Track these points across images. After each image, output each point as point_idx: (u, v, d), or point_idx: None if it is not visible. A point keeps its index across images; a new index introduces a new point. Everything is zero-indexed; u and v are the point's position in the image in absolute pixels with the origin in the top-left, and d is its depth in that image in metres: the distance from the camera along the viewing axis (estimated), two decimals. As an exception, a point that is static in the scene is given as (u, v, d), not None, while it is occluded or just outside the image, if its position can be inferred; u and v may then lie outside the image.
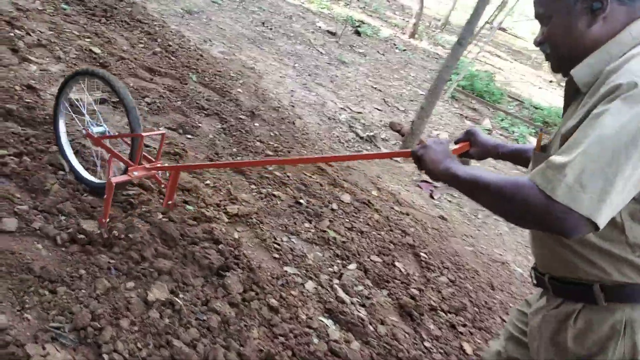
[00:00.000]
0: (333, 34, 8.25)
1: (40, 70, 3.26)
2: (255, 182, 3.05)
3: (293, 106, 4.54)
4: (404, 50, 9.54)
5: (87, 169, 2.46)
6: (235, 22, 6.30)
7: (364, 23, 10.26)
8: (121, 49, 4.05)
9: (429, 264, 2.99)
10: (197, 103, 3.73)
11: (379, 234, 3.04)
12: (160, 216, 2.34)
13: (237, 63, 4.93)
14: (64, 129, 2.51)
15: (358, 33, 9.08)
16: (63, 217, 2.12)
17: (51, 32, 3.81)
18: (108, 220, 2.13)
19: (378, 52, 8.49)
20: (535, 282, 1.37)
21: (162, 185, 2.50)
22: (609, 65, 1.09)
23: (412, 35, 11.71)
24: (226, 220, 2.58)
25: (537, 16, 1.25)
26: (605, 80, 1.04)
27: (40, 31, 3.75)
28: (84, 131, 2.39)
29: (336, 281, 2.48)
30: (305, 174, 3.38)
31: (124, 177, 2.16)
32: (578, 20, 1.15)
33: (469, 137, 1.65)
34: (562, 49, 1.20)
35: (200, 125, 3.47)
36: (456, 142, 1.66)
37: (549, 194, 0.99)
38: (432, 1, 17.56)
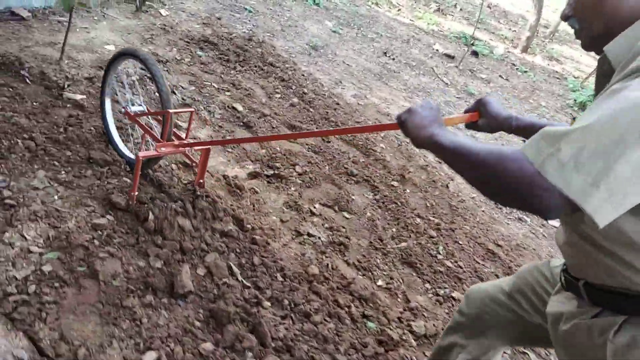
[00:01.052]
0: (451, 57, 7.65)
1: (191, 138, 3.06)
2: (429, 279, 2.62)
3: (440, 161, 4.07)
4: (525, 71, 8.71)
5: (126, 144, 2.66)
6: (358, 55, 5.93)
7: (475, 39, 9.55)
8: (260, 102, 3.80)
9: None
10: (344, 168, 3.38)
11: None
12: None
13: (371, 108, 4.54)
14: (109, 107, 2.66)
15: (476, 54, 8.39)
16: (250, 355, 1.82)
17: (193, 88, 3.64)
18: (136, 193, 2.21)
19: (501, 76, 7.77)
20: (565, 285, 1.20)
21: (193, 164, 2.52)
22: None
23: (524, 50, 10.75)
24: (414, 342, 2.17)
25: None
26: (636, 56, 0.90)
27: (182, 87, 3.59)
28: (122, 109, 2.55)
29: None
30: (478, 262, 2.90)
31: (151, 152, 2.24)
32: None
33: (478, 106, 1.48)
34: (594, 23, 1.05)
35: (353, 197, 3.11)
36: (465, 112, 1.51)
37: (537, 168, 0.87)
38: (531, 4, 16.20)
